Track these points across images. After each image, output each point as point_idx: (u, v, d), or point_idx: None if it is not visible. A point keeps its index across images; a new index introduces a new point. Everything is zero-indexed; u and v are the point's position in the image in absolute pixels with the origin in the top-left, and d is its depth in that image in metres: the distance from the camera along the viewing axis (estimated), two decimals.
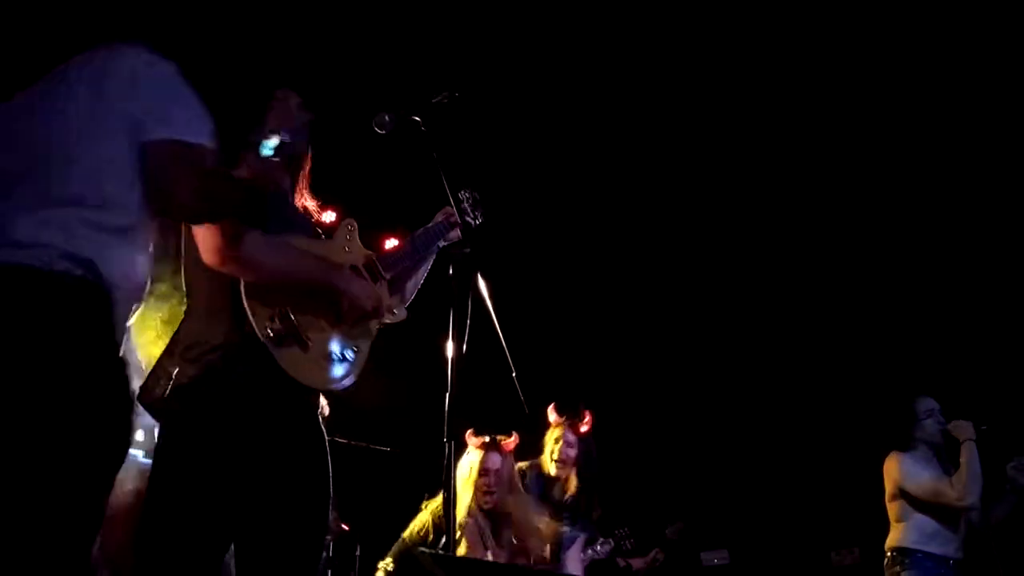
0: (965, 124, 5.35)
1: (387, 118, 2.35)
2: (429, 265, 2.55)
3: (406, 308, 2.43)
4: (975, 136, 5.40)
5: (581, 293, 6.42)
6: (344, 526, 4.78)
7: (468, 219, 2.59)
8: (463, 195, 2.64)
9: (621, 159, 5.88)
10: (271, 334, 1.98)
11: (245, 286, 1.99)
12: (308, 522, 2.05)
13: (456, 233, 2.53)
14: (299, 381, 2.01)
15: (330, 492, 2.15)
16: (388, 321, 2.29)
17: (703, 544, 5.66)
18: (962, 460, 3.65)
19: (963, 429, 3.72)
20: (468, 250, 2.37)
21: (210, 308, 2.05)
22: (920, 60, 5.16)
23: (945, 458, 3.83)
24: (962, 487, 3.59)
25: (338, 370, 2.13)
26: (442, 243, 2.52)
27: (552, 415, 4.21)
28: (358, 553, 4.87)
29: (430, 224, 2.53)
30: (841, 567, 5.74)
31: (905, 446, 3.86)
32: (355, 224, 2.34)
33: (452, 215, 2.50)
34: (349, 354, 2.14)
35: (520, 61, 5.14)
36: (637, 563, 4.86)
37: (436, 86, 2.42)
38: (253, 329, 1.97)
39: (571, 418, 4.20)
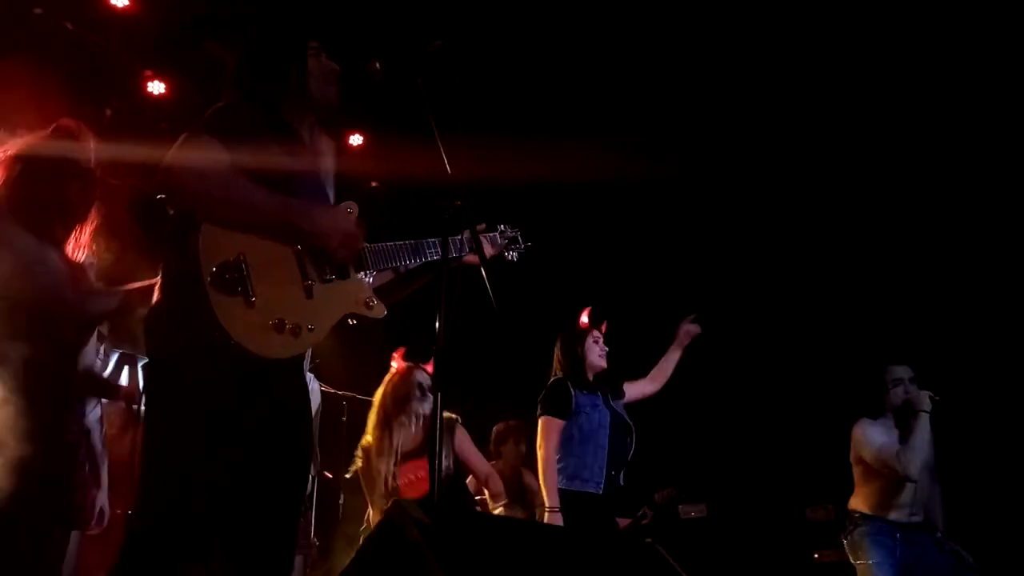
0: (937, 100, 5.34)
1: (378, 66, 2.26)
2: (428, 277, 2.36)
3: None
4: (957, 115, 5.37)
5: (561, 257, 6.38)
6: (327, 474, 4.80)
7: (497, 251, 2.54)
8: (501, 229, 2.58)
9: (622, 99, 5.78)
10: (212, 276, 1.80)
11: (204, 225, 1.86)
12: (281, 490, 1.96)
13: (473, 257, 2.32)
14: (228, 334, 1.78)
15: (307, 459, 2.07)
16: (363, 314, 2.08)
17: (681, 498, 5.74)
18: (911, 432, 3.74)
19: (919, 400, 3.80)
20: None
21: (168, 249, 1.97)
22: (908, 56, 5.14)
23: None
24: (905, 458, 3.69)
25: (280, 341, 1.86)
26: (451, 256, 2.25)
27: (585, 318, 4.48)
28: (341, 501, 4.92)
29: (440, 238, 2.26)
30: (815, 522, 5.88)
31: (873, 413, 3.96)
32: (355, 207, 2.15)
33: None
34: (301, 330, 1.89)
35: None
36: (623, 522, 4.96)
37: (430, 32, 2.33)
38: (198, 266, 1.82)
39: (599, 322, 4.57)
